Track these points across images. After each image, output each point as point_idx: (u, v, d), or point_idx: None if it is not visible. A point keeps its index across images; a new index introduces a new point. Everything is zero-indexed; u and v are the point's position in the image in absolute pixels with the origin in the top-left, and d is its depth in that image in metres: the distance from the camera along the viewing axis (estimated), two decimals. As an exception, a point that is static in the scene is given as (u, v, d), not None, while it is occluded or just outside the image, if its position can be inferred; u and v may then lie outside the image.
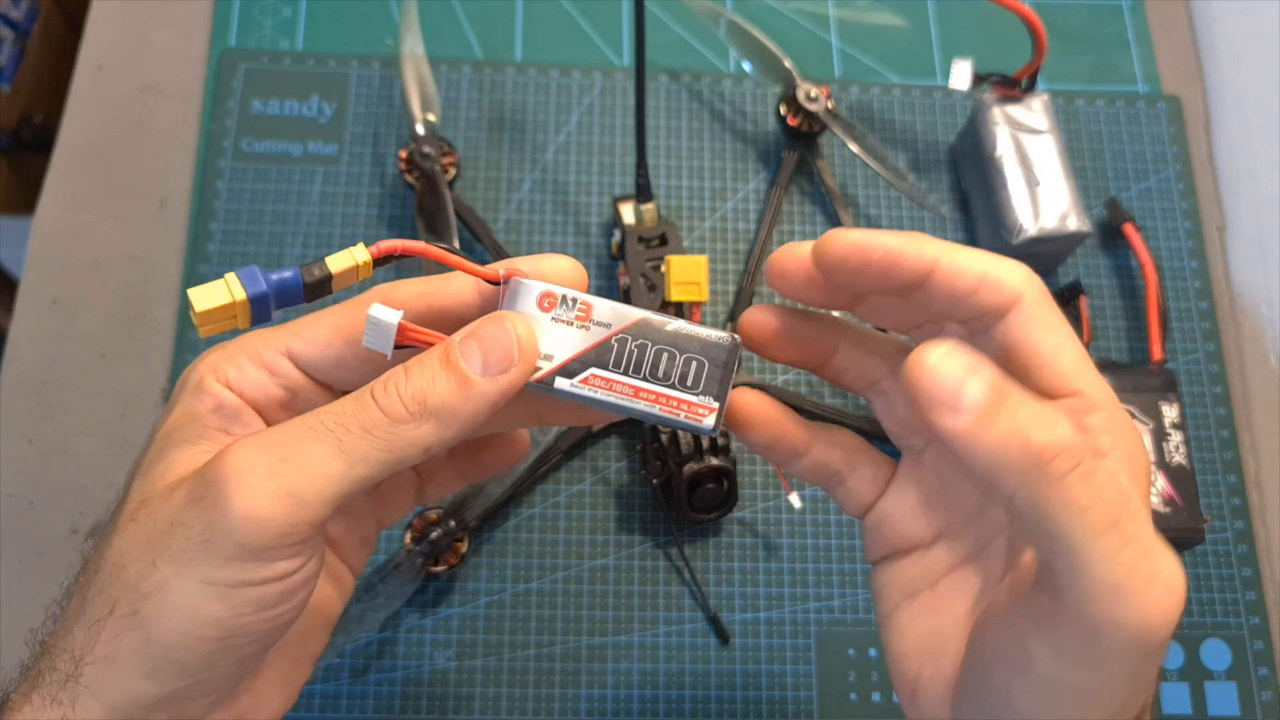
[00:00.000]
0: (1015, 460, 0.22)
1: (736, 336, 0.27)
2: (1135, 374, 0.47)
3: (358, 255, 0.26)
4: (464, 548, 0.44)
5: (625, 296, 0.48)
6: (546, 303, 0.26)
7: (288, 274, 0.26)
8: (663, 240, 0.47)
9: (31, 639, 0.27)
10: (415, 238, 0.50)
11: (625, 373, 0.26)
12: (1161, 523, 0.44)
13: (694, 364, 0.27)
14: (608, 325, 0.26)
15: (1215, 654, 0.48)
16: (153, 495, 0.25)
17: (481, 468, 0.33)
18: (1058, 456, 0.22)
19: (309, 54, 0.55)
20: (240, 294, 0.25)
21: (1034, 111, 0.52)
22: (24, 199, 0.85)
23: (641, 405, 0.26)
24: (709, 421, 0.27)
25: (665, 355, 0.26)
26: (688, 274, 0.41)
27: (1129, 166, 0.56)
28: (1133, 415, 0.46)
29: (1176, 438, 0.46)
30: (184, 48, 0.55)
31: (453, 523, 0.43)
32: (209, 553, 0.24)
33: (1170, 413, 0.46)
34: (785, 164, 0.53)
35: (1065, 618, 0.22)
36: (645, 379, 0.26)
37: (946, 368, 0.22)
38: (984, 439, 0.22)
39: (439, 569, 0.43)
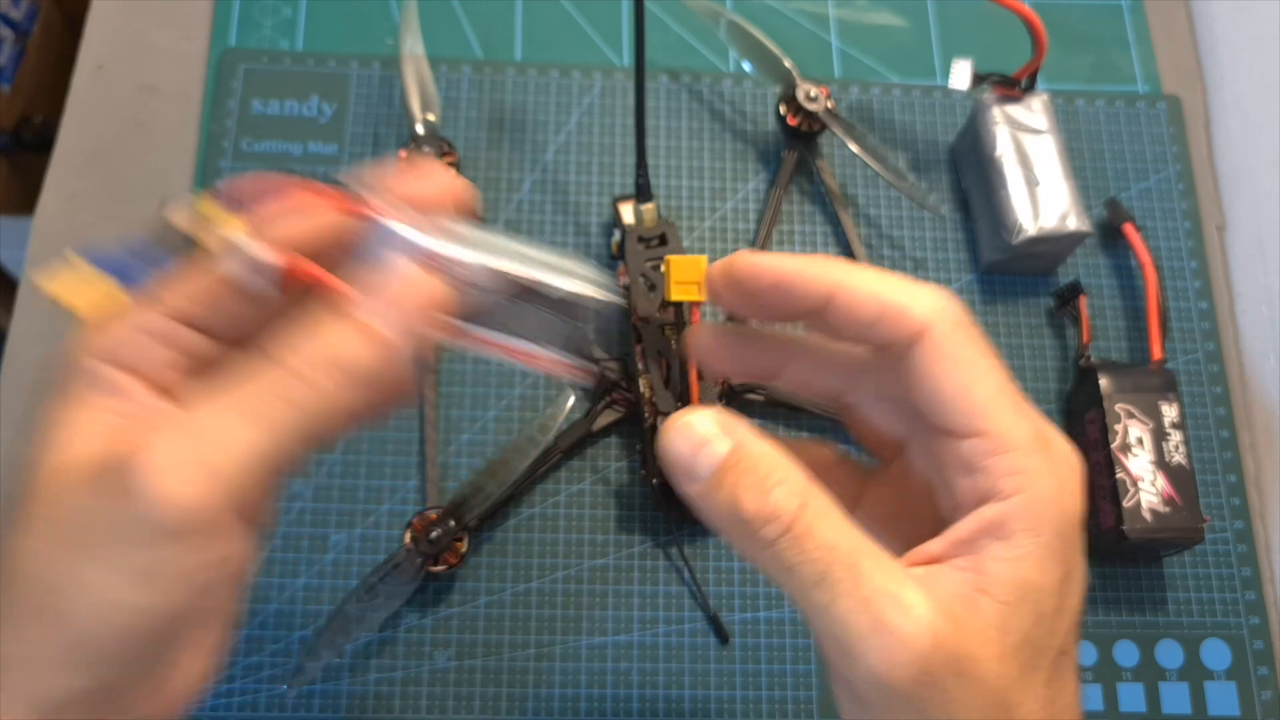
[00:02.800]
0: (733, 528, 0.24)
1: (614, 299, 0.28)
2: (1135, 374, 0.47)
3: (205, 208, 0.25)
4: (464, 547, 0.44)
5: (625, 296, 0.48)
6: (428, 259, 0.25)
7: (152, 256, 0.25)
8: (662, 240, 0.47)
9: None
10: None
11: (498, 330, 0.26)
12: (1161, 522, 0.44)
13: (562, 326, 0.27)
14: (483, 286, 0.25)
15: (1215, 653, 0.48)
16: (53, 487, 0.24)
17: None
18: (766, 525, 0.23)
19: (309, 54, 0.55)
20: (104, 283, 0.25)
21: (1034, 111, 0.52)
22: (24, 199, 0.85)
23: (520, 363, 0.27)
24: (572, 378, 0.30)
25: (536, 315, 0.26)
26: (687, 274, 0.40)
27: (1129, 166, 0.56)
28: (1132, 415, 0.46)
29: (1176, 437, 0.46)
30: (184, 48, 0.55)
31: (452, 522, 0.43)
32: (130, 541, 0.23)
33: (1170, 412, 0.46)
34: (785, 164, 0.53)
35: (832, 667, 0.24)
36: (517, 337, 0.26)
37: (683, 438, 0.25)
38: (709, 506, 0.24)
39: (439, 569, 0.43)
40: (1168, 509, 0.44)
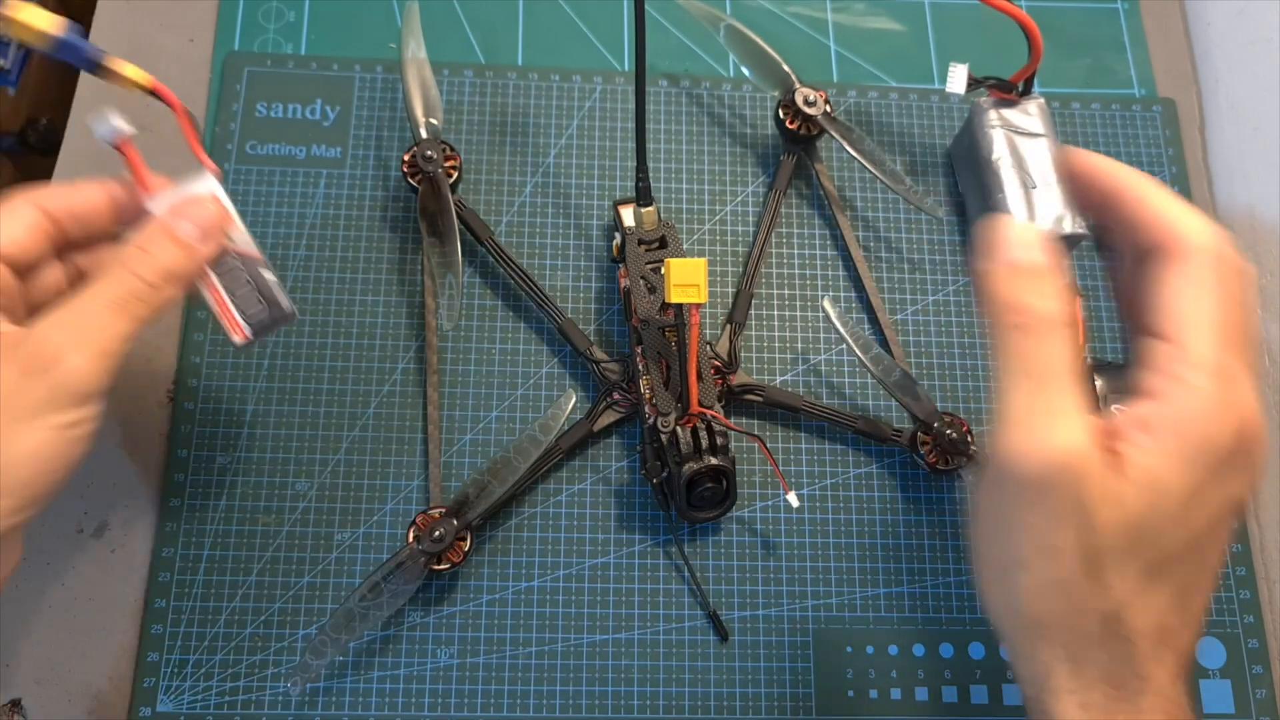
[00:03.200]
0: (992, 303, 0.32)
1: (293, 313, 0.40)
2: (1129, 374, 0.48)
3: (130, 71, 0.38)
4: (466, 546, 0.44)
5: (625, 298, 0.48)
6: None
7: (89, 47, 0.36)
8: (662, 243, 0.47)
9: None
10: (418, 241, 0.51)
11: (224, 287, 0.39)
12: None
13: (259, 303, 0.40)
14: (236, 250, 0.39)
15: (1210, 652, 0.48)
16: None
17: None
18: (1012, 313, 0.31)
19: (312, 57, 0.55)
20: (50, 24, 0.35)
21: (1030, 115, 0.52)
22: (28, 201, 0.85)
23: (213, 302, 0.39)
24: (235, 338, 0.39)
25: (247, 284, 0.40)
26: (687, 276, 0.41)
27: (1124, 169, 0.56)
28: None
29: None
30: (188, 51, 0.55)
31: (455, 521, 0.44)
32: (54, 406, 0.33)
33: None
34: (783, 167, 0.54)
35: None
36: (230, 294, 0.39)
37: (1003, 231, 0.33)
38: (986, 282, 0.32)
39: (442, 567, 0.44)
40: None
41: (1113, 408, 0.33)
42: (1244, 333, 0.30)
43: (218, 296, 0.39)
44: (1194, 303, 0.30)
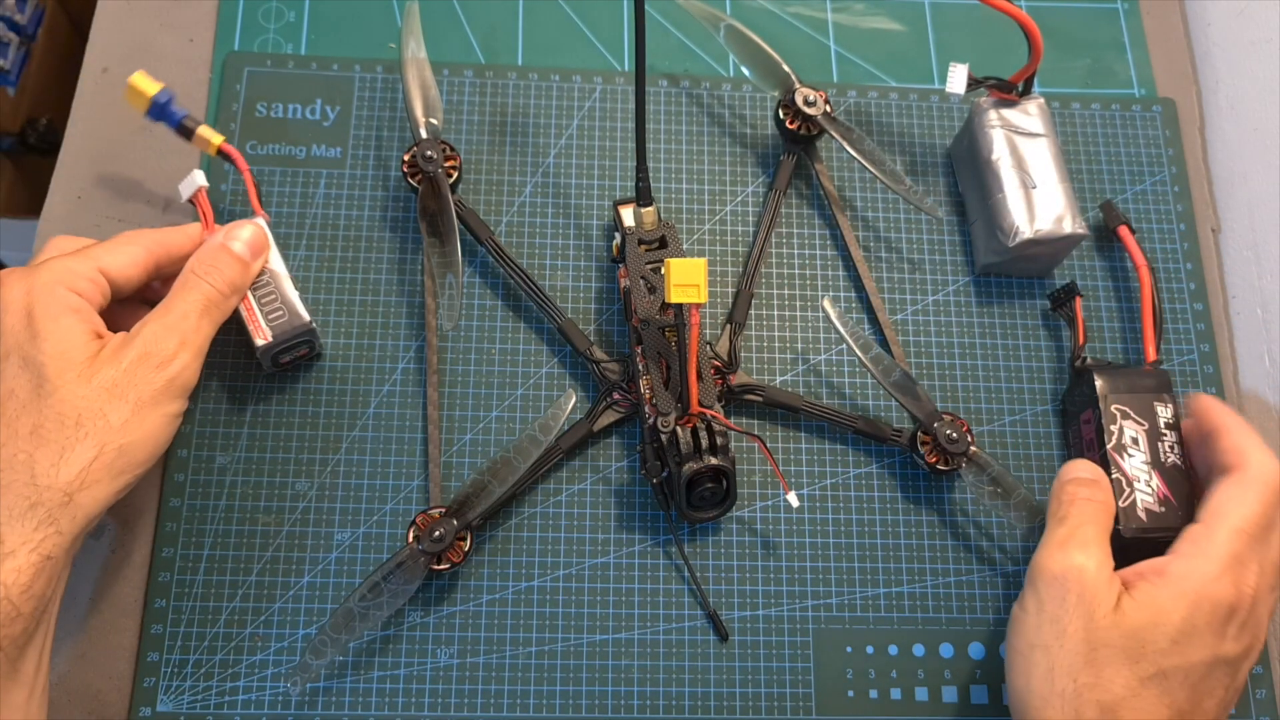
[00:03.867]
0: (1070, 476, 0.45)
1: (312, 327, 0.47)
2: (1130, 375, 0.48)
3: (213, 137, 0.48)
4: (466, 546, 0.44)
5: (626, 298, 0.48)
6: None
7: (181, 113, 0.48)
8: (662, 243, 0.47)
9: None
10: (418, 241, 0.51)
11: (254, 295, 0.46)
12: (1155, 522, 0.45)
13: (281, 312, 0.46)
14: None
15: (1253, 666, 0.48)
16: (88, 367, 0.38)
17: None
18: (1084, 487, 0.44)
19: (312, 57, 0.55)
20: (153, 90, 0.47)
21: (1030, 115, 0.52)
22: (30, 201, 0.86)
23: (245, 316, 0.46)
24: (258, 340, 0.46)
25: (273, 296, 0.46)
26: (687, 276, 0.41)
27: (1124, 169, 0.56)
28: (1127, 415, 0.46)
29: (1170, 438, 0.46)
30: (188, 51, 0.55)
31: (455, 521, 0.44)
32: (169, 395, 0.40)
33: (1164, 413, 0.47)
34: (783, 167, 0.54)
35: None
36: (257, 301, 0.46)
37: (1080, 465, 0.45)
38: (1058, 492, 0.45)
39: (442, 567, 0.44)
40: (1162, 509, 0.45)
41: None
42: (1267, 537, 0.40)
43: (247, 303, 0.46)
44: (1232, 505, 0.41)
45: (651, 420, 0.45)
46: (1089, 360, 0.50)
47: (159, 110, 0.47)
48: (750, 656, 0.46)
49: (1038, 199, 0.50)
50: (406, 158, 0.49)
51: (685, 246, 0.52)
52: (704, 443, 0.44)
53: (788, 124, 0.52)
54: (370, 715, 0.44)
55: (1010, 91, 0.52)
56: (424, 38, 0.51)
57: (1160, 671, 0.38)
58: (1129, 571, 0.40)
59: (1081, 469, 0.44)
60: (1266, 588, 0.40)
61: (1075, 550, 0.40)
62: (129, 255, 0.42)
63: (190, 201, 0.48)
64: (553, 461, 0.47)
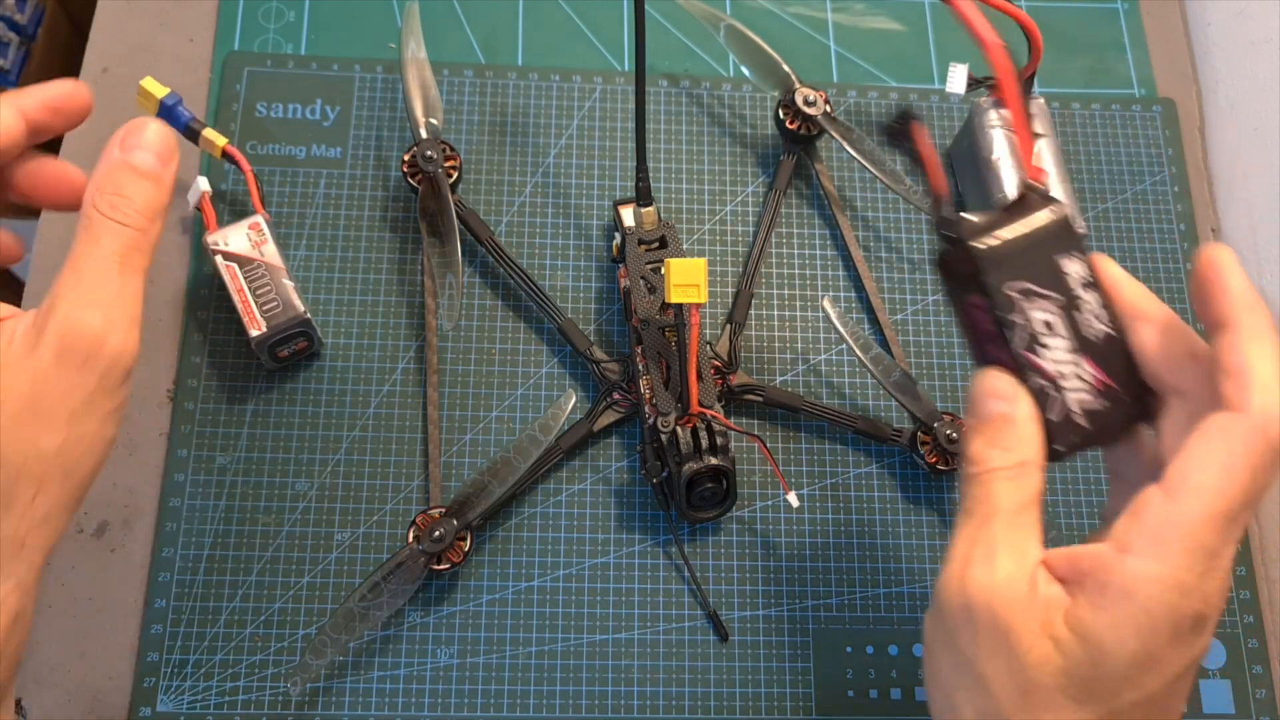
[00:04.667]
0: (962, 452, 0.33)
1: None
2: (1017, 230, 0.33)
3: (218, 139, 0.49)
4: (466, 546, 0.44)
5: (626, 298, 0.48)
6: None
7: (188, 115, 0.48)
8: (662, 243, 0.47)
9: None
10: (418, 241, 0.51)
11: (249, 287, 0.46)
12: (1099, 422, 0.32)
13: (276, 303, 0.46)
14: None
15: (1210, 652, 0.48)
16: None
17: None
18: (971, 464, 0.32)
19: (312, 58, 0.55)
20: (162, 93, 0.48)
21: (1030, 115, 0.52)
22: (28, 201, 0.85)
23: (241, 308, 0.46)
24: (252, 331, 0.45)
25: (268, 287, 0.47)
26: (687, 276, 0.41)
27: (1124, 169, 0.56)
28: (1031, 295, 0.32)
29: (1092, 301, 0.32)
30: (188, 51, 0.55)
31: (455, 521, 0.44)
32: (105, 392, 0.31)
33: (1077, 270, 0.33)
34: (783, 167, 0.54)
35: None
36: (252, 293, 0.46)
37: (985, 383, 0.32)
38: (966, 433, 0.33)
39: (442, 567, 0.44)
40: (1105, 402, 0.32)
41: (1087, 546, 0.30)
42: (1247, 514, 0.28)
43: (242, 294, 0.45)
44: (1212, 472, 0.28)
45: (651, 420, 0.45)
46: (954, 217, 0.33)
47: (167, 113, 0.48)
48: (750, 656, 0.46)
49: (1038, 199, 0.50)
50: (406, 158, 0.49)
51: (685, 246, 0.52)
52: (704, 443, 0.44)
53: (788, 124, 0.52)
54: (370, 715, 0.44)
55: (1010, 91, 0.52)
56: (424, 38, 0.51)
57: (1112, 711, 0.28)
58: (1064, 564, 0.30)
59: (988, 403, 0.32)
60: (1232, 569, 0.31)
61: (978, 564, 0.29)
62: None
63: (196, 208, 0.48)
64: (553, 461, 0.47)
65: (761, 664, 0.46)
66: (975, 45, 0.37)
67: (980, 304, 0.32)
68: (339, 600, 0.46)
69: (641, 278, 0.46)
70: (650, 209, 0.48)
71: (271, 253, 0.47)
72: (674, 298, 0.41)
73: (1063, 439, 0.32)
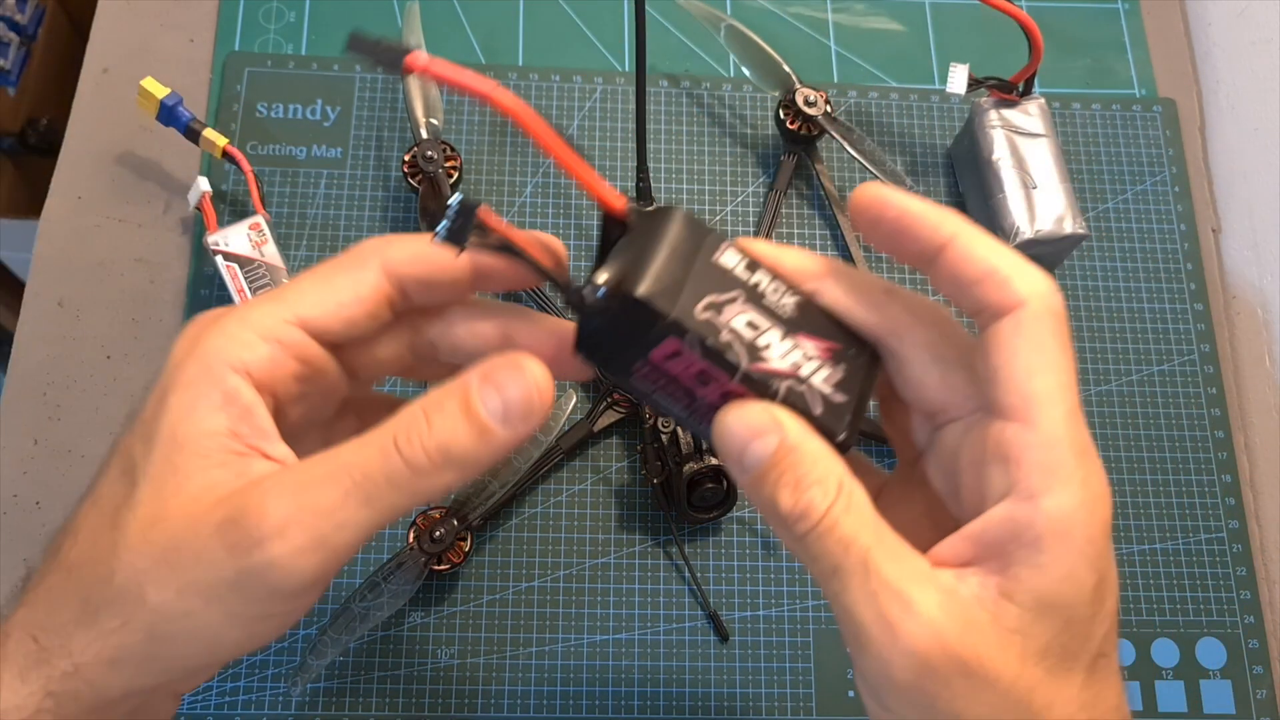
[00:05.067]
0: (771, 519, 0.25)
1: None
2: (644, 247, 0.26)
3: (219, 139, 0.49)
4: (467, 546, 0.44)
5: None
6: None
7: (188, 115, 0.49)
8: (663, 242, 0.47)
9: None
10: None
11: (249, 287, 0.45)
12: (850, 393, 0.27)
13: None
14: None
15: (1210, 652, 0.48)
16: (169, 517, 0.25)
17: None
18: (797, 521, 0.25)
19: (313, 58, 0.55)
20: (162, 93, 0.48)
21: (1030, 115, 0.52)
22: (30, 201, 0.86)
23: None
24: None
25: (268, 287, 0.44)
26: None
27: (1125, 169, 0.56)
28: (716, 307, 0.26)
29: (763, 279, 0.27)
30: (189, 51, 0.55)
31: (456, 522, 0.44)
32: (240, 593, 0.25)
33: (729, 258, 0.27)
34: (784, 168, 0.54)
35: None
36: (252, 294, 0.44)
37: (736, 429, 0.26)
38: (753, 497, 0.26)
39: (442, 567, 0.44)
40: (841, 366, 0.27)
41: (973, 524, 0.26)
42: (1076, 389, 0.26)
43: (242, 294, 0.45)
44: (1040, 371, 0.25)
45: (652, 421, 0.45)
46: (589, 282, 0.26)
47: (167, 113, 0.48)
48: (751, 657, 0.46)
49: (1038, 199, 0.50)
50: (407, 158, 0.49)
51: (686, 247, 0.52)
52: (704, 443, 0.44)
53: (788, 124, 0.52)
54: (370, 716, 0.44)
55: (1011, 92, 0.52)
56: (424, 38, 0.51)
57: (1095, 653, 0.26)
58: (965, 547, 0.26)
59: (755, 447, 0.25)
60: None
61: (905, 622, 0.24)
62: (350, 287, 0.27)
63: (197, 208, 0.49)
64: (553, 461, 0.47)
65: (762, 664, 0.46)
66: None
67: (673, 349, 0.26)
68: (339, 600, 0.46)
69: (642, 278, 0.46)
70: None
71: (272, 253, 0.47)
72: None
73: (838, 427, 0.27)
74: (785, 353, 0.27)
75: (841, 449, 0.27)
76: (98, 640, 0.25)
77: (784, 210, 0.54)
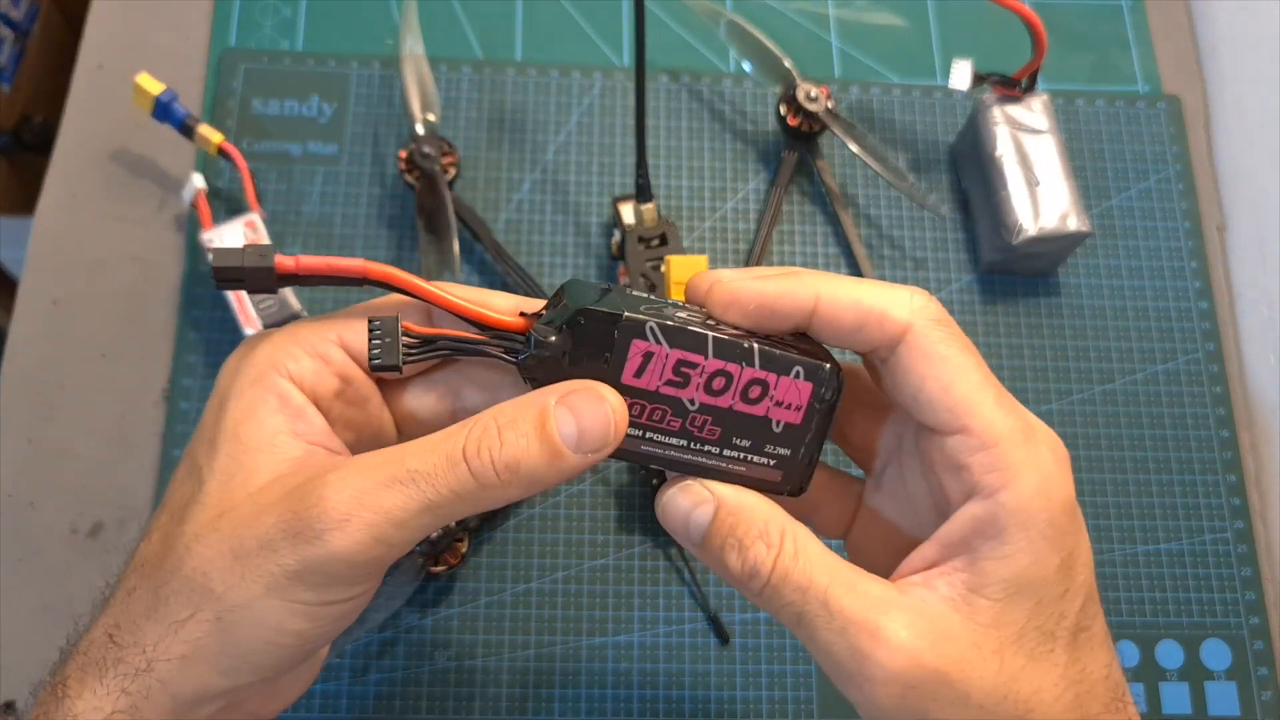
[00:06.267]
0: (730, 582, 0.27)
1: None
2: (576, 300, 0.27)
3: (213, 135, 0.48)
4: (464, 548, 0.44)
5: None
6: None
7: (183, 112, 0.48)
8: (663, 240, 0.47)
9: (75, 624, 0.28)
10: (415, 238, 0.51)
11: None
12: (807, 430, 0.28)
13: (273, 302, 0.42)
14: None
15: (1215, 654, 0.48)
16: (235, 508, 0.26)
17: None
18: (749, 580, 0.26)
19: (309, 54, 0.55)
20: (157, 90, 0.48)
21: (1034, 111, 0.52)
22: (24, 199, 0.85)
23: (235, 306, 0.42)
24: (247, 329, 0.42)
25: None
26: (688, 274, 0.40)
27: (1129, 166, 0.56)
28: (651, 335, 0.26)
29: (695, 314, 0.28)
30: (184, 48, 0.55)
31: (453, 523, 0.43)
32: (302, 581, 0.25)
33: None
34: (785, 164, 0.53)
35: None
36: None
37: (673, 510, 0.27)
38: (708, 564, 0.27)
39: (439, 569, 0.43)
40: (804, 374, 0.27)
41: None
42: (991, 375, 0.27)
43: (237, 294, 0.45)
44: (953, 380, 0.26)
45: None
46: (549, 327, 0.27)
47: (163, 110, 0.48)
48: (751, 659, 0.46)
49: (1042, 196, 0.50)
50: (403, 154, 0.49)
51: (686, 244, 0.52)
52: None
53: (789, 120, 0.52)
54: (367, 718, 0.44)
55: (1014, 88, 0.51)
56: (422, 33, 0.51)
57: (1073, 628, 0.26)
58: (933, 552, 0.27)
59: (696, 516, 0.27)
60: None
61: (883, 652, 0.25)
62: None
63: (191, 205, 0.48)
64: (552, 462, 0.47)
65: (763, 667, 0.46)
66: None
67: (642, 354, 0.26)
68: (335, 602, 0.45)
69: (641, 275, 0.46)
70: (650, 206, 0.47)
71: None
72: (674, 296, 0.41)
73: (790, 474, 0.28)
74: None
75: (793, 493, 0.28)
76: (169, 634, 0.26)
77: (785, 207, 0.54)
